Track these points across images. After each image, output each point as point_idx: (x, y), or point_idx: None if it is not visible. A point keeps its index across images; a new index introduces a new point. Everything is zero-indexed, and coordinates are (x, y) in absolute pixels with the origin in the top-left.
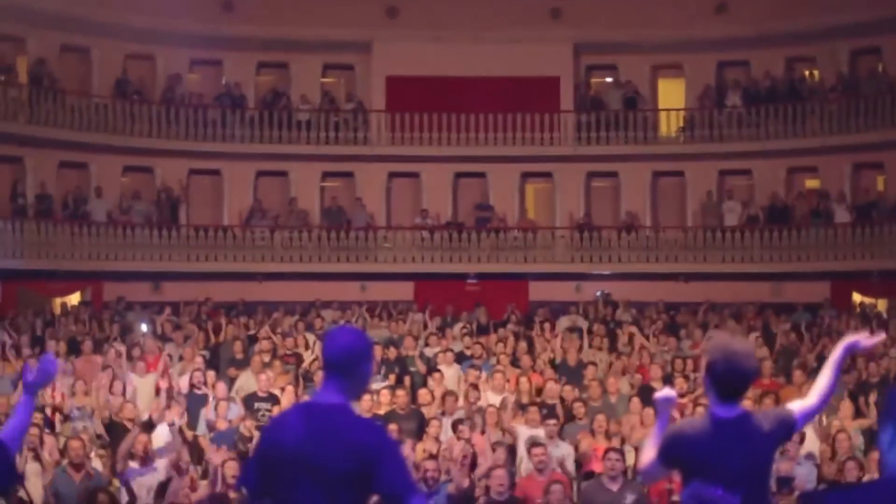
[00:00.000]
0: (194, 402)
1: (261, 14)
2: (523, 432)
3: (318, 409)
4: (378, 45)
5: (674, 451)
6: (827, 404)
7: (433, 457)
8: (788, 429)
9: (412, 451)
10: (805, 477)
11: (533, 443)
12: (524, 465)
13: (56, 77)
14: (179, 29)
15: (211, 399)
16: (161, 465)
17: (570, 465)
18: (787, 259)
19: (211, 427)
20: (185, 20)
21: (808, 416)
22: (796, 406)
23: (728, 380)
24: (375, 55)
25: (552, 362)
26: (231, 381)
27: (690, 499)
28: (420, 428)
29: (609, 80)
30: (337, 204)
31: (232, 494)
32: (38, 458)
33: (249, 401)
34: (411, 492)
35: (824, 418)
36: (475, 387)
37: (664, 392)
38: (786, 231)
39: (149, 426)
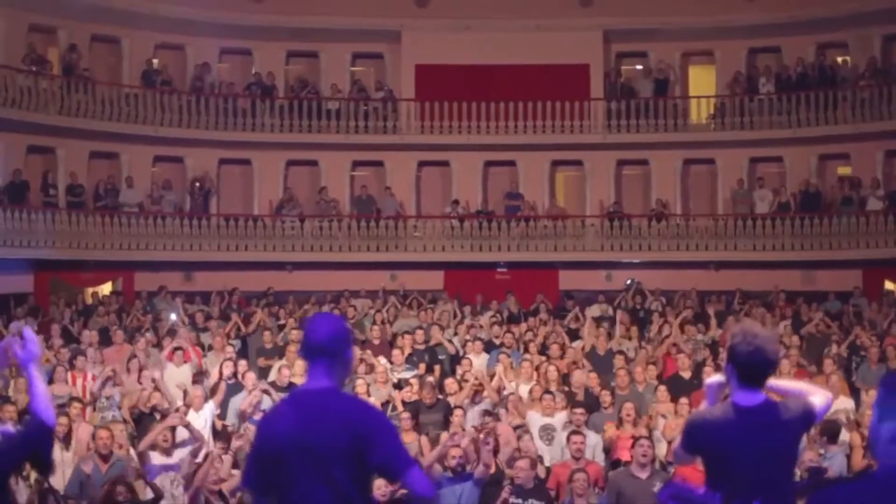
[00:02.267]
0: (225, 392)
1: (290, 3)
2: (536, 420)
3: (307, 396)
4: (407, 34)
5: (695, 439)
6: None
7: (458, 445)
8: (809, 421)
9: (428, 442)
10: (836, 467)
11: (572, 431)
12: (544, 453)
13: (87, 67)
14: (209, 18)
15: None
16: (183, 454)
17: (599, 455)
18: (818, 247)
19: (242, 417)
20: (215, 10)
21: (825, 410)
22: (817, 399)
23: (750, 365)
24: (405, 44)
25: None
26: (260, 371)
27: (671, 499)
28: (447, 418)
29: (639, 67)
30: (366, 193)
31: None
32: (67, 447)
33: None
34: (407, 464)
35: (855, 408)
36: (501, 376)
37: (715, 377)
38: (817, 219)
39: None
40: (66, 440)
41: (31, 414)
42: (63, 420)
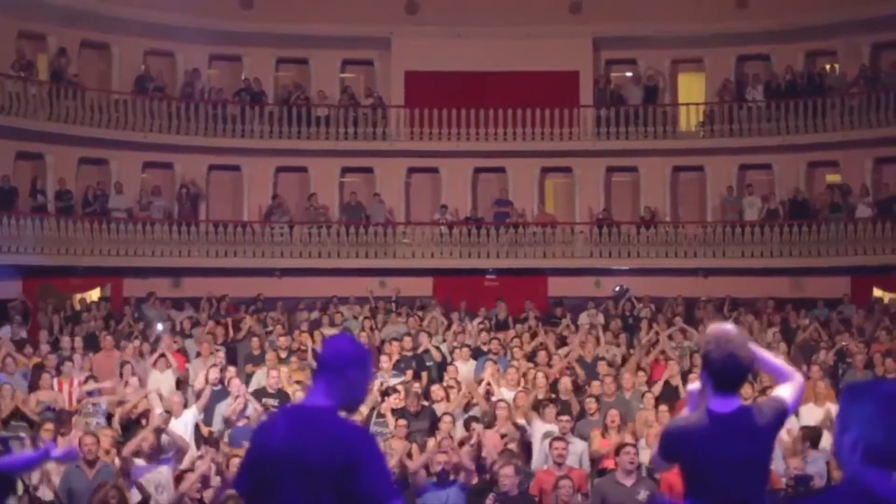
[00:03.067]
0: (211, 398)
1: (280, 10)
2: (539, 427)
3: (304, 412)
4: (397, 41)
5: (671, 447)
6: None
7: (444, 451)
8: (782, 417)
9: (417, 450)
10: (817, 472)
11: (554, 437)
12: (540, 459)
13: (76, 73)
14: (199, 25)
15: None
16: (167, 460)
17: (585, 461)
18: (807, 254)
19: (227, 423)
20: (205, 16)
21: (798, 400)
22: (786, 392)
23: (724, 370)
24: (394, 51)
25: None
26: (248, 377)
27: None
28: (432, 426)
29: (629, 74)
30: (356, 199)
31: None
32: None
33: (259, 396)
34: (391, 495)
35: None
36: (489, 383)
37: (695, 384)
38: (806, 226)
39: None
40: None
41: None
42: (49, 426)
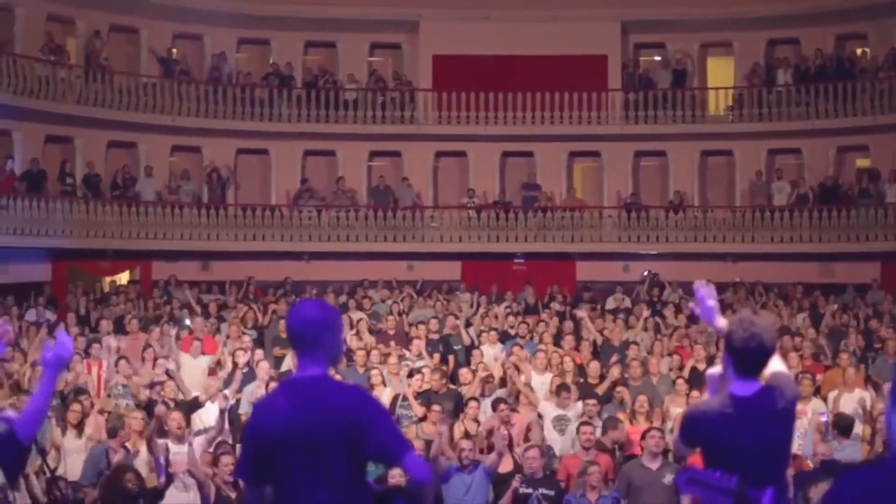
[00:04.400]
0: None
1: None
2: (549, 410)
3: (299, 385)
4: (425, 24)
5: (692, 431)
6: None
7: (469, 436)
8: (797, 396)
9: (448, 431)
10: (849, 460)
11: (583, 422)
12: (557, 443)
13: (105, 57)
14: (227, 8)
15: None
16: (198, 442)
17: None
18: (836, 239)
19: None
20: (233, 0)
21: None
22: (784, 366)
23: (746, 353)
24: (422, 34)
25: (594, 343)
26: (276, 361)
27: (688, 483)
28: (457, 407)
29: (657, 58)
30: (384, 183)
31: None
32: (80, 434)
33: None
34: (404, 449)
35: (870, 401)
36: (517, 366)
37: (715, 368)
38: (835, 211)
39: (192, 406)
40: (79, 427)
41: (15, 424)
42: (76, 407)
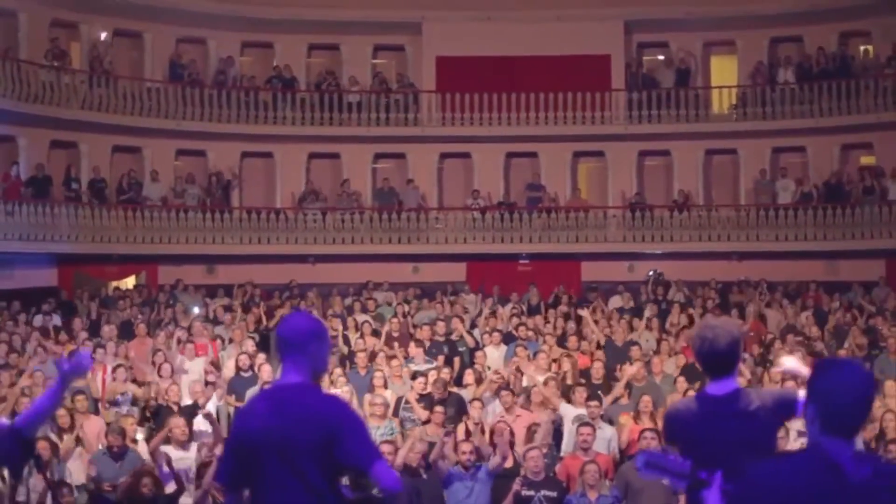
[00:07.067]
0: (241, 385)
1: None
2: (569, 411)
3: (279, 391)
4: (428, 26)
5: (669, 430)
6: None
7: (470, 439)
8: (789, 408)
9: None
10: None
11: (581, 422)
12: (570, 444)
13: (109, 61)
14: (231, 12)
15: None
16: (194, 447)
17: (614, 446)
18: (841, 237)
19: None
20: (237, 3)
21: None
22: (801, 392)
23: (705, 357)
24: (426, 36)
25: (598, 343)
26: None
27: (644, 466)
28: (458, 412)
29: (661, 57)
30: (388, 185)
31: None
32: (79, 440)
33: None
34: (372, 458)
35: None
36: (519, 367)
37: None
38: (840, 209)
39: (192, 410)
40: (70, 430)
41: (18, 421)
42: (61, 412)
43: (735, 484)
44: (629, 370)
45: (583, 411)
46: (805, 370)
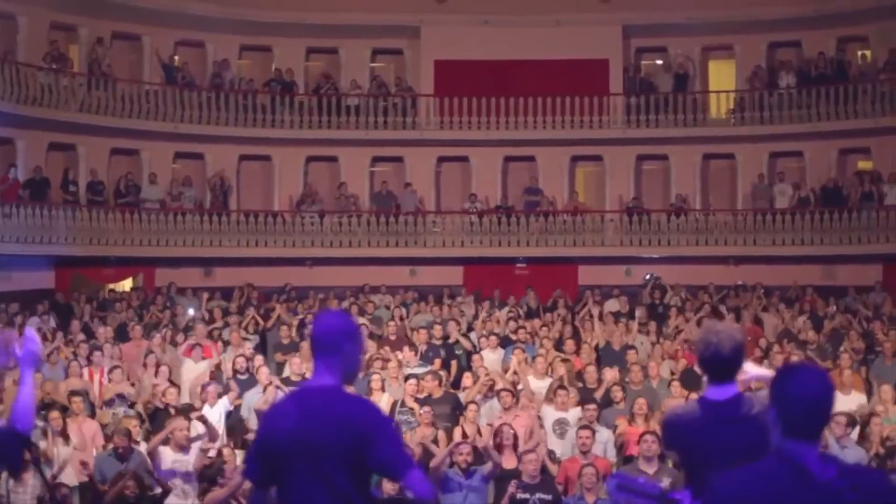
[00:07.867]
0: (238, 387)
1: (310, 0)
2: (550, 414)
3: (310, 393)
4: (426, 30)
5: (669, 435)
6: None
7: (467, 441)
8: None
9: (444, 436)
10: (856, 460)
11: (580, 426)
12: (557, 447)
13: (108, 64)
14: (229, 15)
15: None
16: (194, 449)
17: (611, 450)
18: (838, 242)
19: (258, 416)
20: (235, 7)
21: None
22: None
23: (709, 361)
24: (424, 40)
25: (596, 347)
26: (278, 366)
27: (616, 489)
28: (454, 412)
29: (659, 62)
30: (386, 189)
31: None
32: (66, 441)
33: (287, 385)
34: (406, 465)
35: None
36: (516, 371)
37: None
38: (837, 213)
39: (188, 411)
40: (64, 434)
41: (9, 417)
42: (54, 415)
43: (702, 498)
44: (609, 374)
45: (563, 414)
46: (768, 373)
